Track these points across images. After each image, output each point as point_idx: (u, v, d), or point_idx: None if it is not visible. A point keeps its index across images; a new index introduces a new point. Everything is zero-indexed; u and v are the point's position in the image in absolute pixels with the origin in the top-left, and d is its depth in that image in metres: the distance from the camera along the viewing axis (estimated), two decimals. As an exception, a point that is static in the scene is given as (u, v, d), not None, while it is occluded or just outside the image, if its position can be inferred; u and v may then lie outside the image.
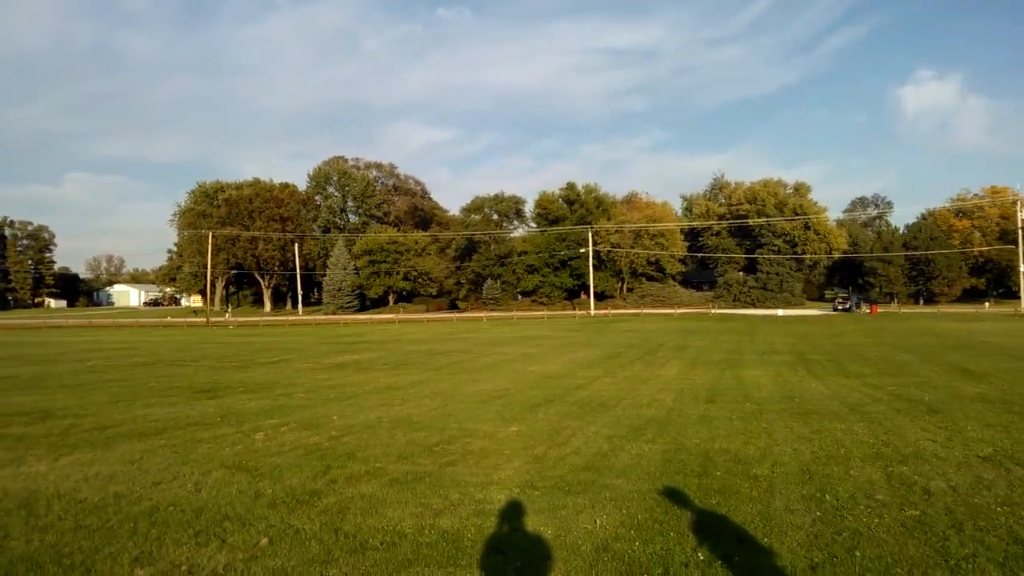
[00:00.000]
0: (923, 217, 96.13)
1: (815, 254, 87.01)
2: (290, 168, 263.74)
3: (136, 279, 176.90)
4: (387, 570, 4.68)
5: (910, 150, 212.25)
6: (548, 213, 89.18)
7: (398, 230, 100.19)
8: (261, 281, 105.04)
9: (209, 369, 20.54)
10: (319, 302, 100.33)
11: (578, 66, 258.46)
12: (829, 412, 10.88)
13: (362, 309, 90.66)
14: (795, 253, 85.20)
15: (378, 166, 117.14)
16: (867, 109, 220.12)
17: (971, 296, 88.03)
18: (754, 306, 79.39)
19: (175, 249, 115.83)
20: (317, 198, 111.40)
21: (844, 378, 15.85)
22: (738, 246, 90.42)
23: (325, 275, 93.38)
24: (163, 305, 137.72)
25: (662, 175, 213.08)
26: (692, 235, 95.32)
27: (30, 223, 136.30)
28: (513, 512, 5.87)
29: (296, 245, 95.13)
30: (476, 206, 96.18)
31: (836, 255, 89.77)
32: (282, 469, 7.52)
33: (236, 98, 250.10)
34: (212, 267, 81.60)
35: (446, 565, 4.76)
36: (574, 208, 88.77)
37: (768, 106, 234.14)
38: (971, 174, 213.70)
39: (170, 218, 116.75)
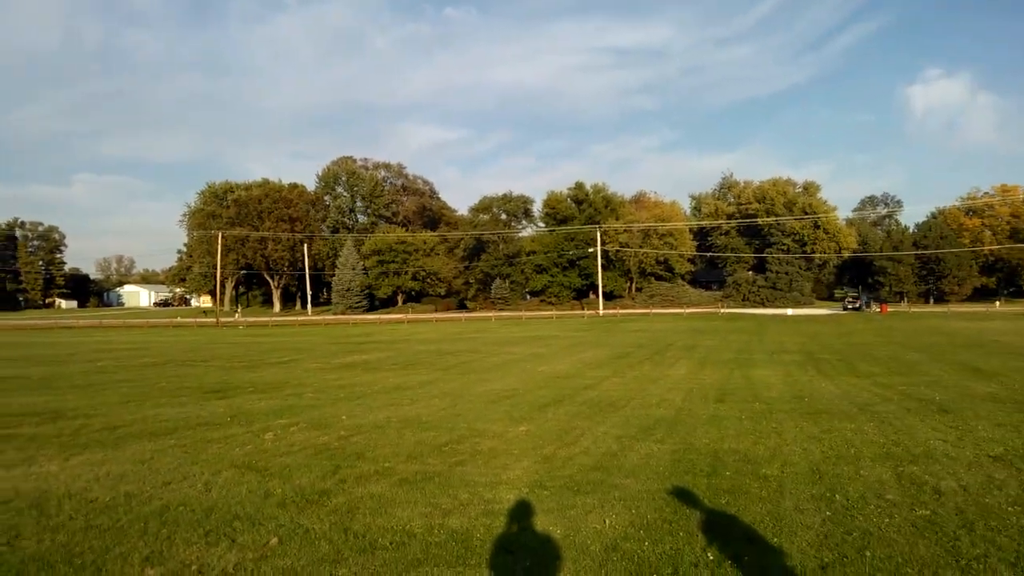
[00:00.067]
0: (933, 216, 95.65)
1: (824, 253, 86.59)
2: (297, 168, 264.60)
3: (146, 279, 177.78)
4: (397, 569, 4.69)
5: (919, 149, 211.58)
6: (556, 213, 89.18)
7: (407, 230, 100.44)
8: (270, 281, 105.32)
9: (219, 369, 20.62)
10: (328, 302, 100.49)
11: (586, 65, 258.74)
12: (839, 412, 10.83)
13: (371, 309, 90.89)
14: (804, 252, 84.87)
15: (386, 166, 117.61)
16: (875, 108, 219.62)
17: (981, 295, 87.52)
18: (763, 305, 79.19)
19: (185, 250, 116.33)
20: (326, 198, 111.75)
21: (854, 377, 15.79)
22: (747, 245, 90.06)
23: (334, 275, 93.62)
24: (173, 305, 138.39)
25: (671, 174, 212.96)
26: (701, 234, 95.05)
27: (40, 224, 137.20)
28: (522, 512, 5.87)
29: (305, 245, 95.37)
30: (484, 206, 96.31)
31: (846, 254, 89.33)
32: (292, 469, 7.54)
33: (243, 97, 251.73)
34: (222, 267, 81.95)
35: (455, 565, 4.76)
36: (582, 208, 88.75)
37: (777, 105, 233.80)
38: (981, 172, 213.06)
39: (180, 218, 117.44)
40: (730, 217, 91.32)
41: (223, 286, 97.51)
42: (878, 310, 68.11)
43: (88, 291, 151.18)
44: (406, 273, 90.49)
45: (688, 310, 73.30)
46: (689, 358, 21.72)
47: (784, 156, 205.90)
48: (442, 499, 6.32)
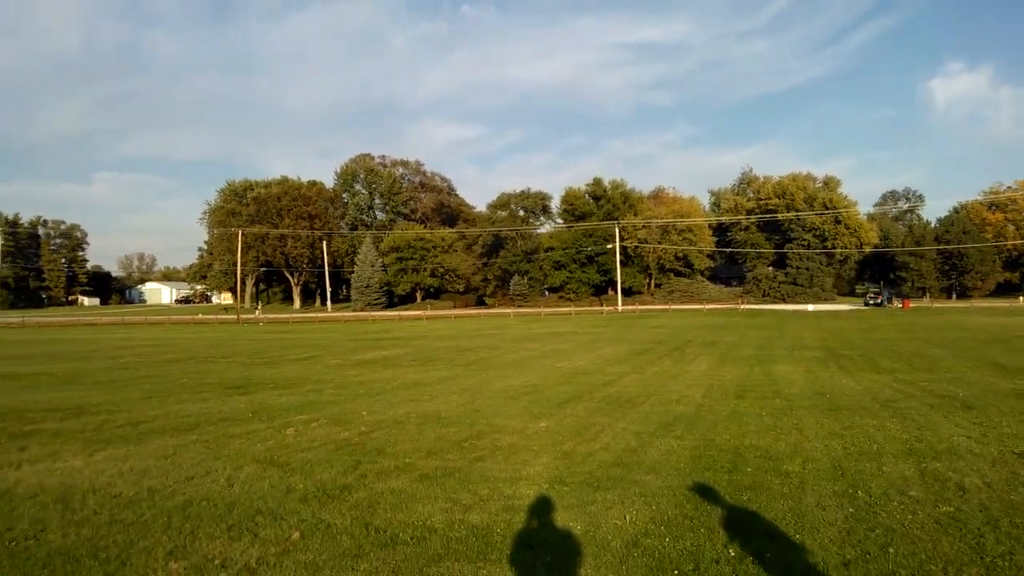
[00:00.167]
0: (955, 211, 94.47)
1: (845, 248, 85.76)
2: (315, 165, 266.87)
3: (167, 277, 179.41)
4: (417, 564, 4.71)
5: (940, 143, 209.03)
6: (574, 209, 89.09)
7: (425, 227, 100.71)
8: (290, 278, 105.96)
9: (240, 365, 20.77)
10: (347, 299, 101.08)
11: (603, 61, 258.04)
12: (861, 408, 10.74)
13: (390, 306, 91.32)
14: (825, 248, 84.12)
15: (404, 163, 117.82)
16: (896, 103, 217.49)
17: (1005, 290, 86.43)
18: (784, 301, 78.70)
19: (205, 247, 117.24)
20: (344, 196, 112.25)
21: (876, 374, 15.63)
22: (767, 241, 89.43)
23: (353, 272, 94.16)
24: (194, 302, 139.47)
25: (689, 170, 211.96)
26: (720, 230, 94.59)
27: (63, 222, 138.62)
28: (542, 508, 5.87)
29: (324, 242, 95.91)
30: (502, 202, 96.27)
31: (867, 249, 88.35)
32: (313, 464, 7.58)
33: (262, 96, 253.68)
34: (242, 265, 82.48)
35: (476, 560, 4.77)
36: (601, 204, 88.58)
37: (796, 100, 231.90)
38: (1004, 167, 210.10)
39: (200, 216, 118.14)
40: (750, 212, 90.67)
41: (243, 283, 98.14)
42: (900, 305, 67.44)
43: (110, 288, 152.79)
44: (424, 270, 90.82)
45: (708, 306, 72.97)
46: (709, 354, 21.61)
47: (804, 152, 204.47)
48: (462, 495, 6.33)
